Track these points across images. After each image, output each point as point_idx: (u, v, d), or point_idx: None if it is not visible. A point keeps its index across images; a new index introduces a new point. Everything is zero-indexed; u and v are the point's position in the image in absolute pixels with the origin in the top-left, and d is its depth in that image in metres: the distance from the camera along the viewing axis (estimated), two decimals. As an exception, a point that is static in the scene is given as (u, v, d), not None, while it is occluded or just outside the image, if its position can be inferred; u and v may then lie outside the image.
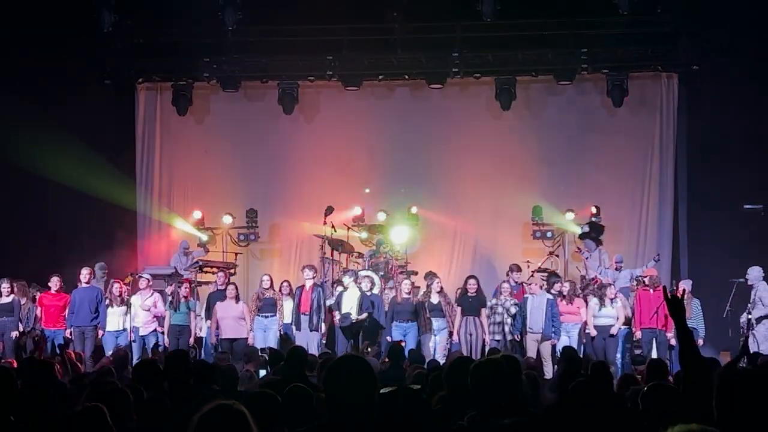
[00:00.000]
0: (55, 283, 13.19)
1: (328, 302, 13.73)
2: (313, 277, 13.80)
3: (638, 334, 12.90)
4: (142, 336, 12.92)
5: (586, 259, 15.20)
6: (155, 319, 13.12)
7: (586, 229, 15.49)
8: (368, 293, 13.38)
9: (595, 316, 12.85)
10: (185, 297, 13.18)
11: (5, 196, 15.34)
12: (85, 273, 13.20)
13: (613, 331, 12.85)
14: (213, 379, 6.72)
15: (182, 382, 6.23)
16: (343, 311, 13.15)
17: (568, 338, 12.87)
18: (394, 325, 12.89)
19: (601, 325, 12.84)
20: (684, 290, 12.60)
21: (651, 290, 12.88)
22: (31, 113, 14.92)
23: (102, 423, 4.64)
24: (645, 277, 13.28)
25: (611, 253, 15.30)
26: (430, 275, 13.78)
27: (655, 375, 7.11)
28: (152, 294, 13.21)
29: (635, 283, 14.13)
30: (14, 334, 12.93)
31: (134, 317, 13.02)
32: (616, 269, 14.66)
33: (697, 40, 15.65)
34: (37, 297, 13.44)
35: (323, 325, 13.38)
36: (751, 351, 11.17)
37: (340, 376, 3.50)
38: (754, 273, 13.10)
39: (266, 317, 13.31)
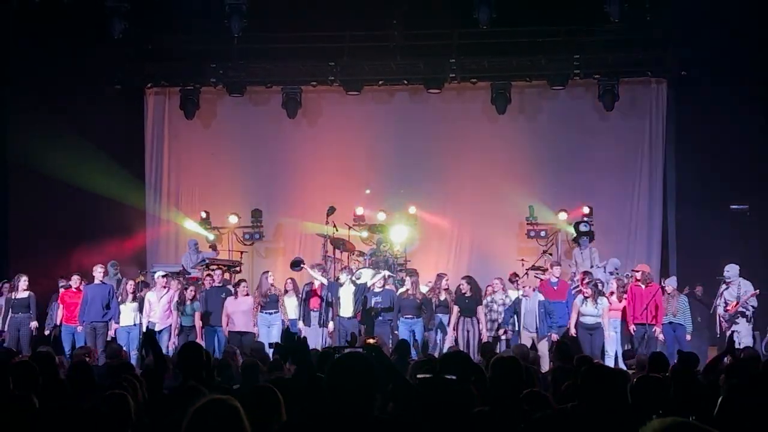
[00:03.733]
0: (75, 281, 13.41)
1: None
2: (322, 276, 14.08)
3: (632, 328, 12.93)
4: (158, 331, 12.98)
5: (579, 254, 15.51)
6: (171, 314, 13.25)
7: (587, 227, 15.64)
8: (380, 289, 13.63)
9: (581, 313, 12.91)
10: (191, 300, 13.40)
11: (19, 197, 15.57)
12: (98, 270, 13.30)
13: (608, 349, 12.82)
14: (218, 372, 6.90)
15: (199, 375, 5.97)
16: (341, 306, 13.44)
17: (615, 333, 12.94)
18: (401, 320, 13.11)
19: (583, 323, 12.85)
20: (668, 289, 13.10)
21: (643, 286, 12.98)
22: (46, 118, 15.08)
23: (125, 410, 4.84)
24: (637, 272, 13.30)
25: (603, 253, 15.49)
26: (440, 275, 14.02)
27: (654, 368, 7.41)
28: (167, 291, 13.35)
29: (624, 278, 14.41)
30: (33, 324, 13.24)
31: (150, 313, 13.15)
32: (610, 273, 14.73)
33: (685, 47, 15.88)
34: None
35: (331, 323, 13.59)
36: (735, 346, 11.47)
37: (343, 370, 3.62)
38: (735, 270, 13.27)
39: (269, 314, 13.59)
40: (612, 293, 13.26)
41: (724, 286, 13.28)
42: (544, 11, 15.71)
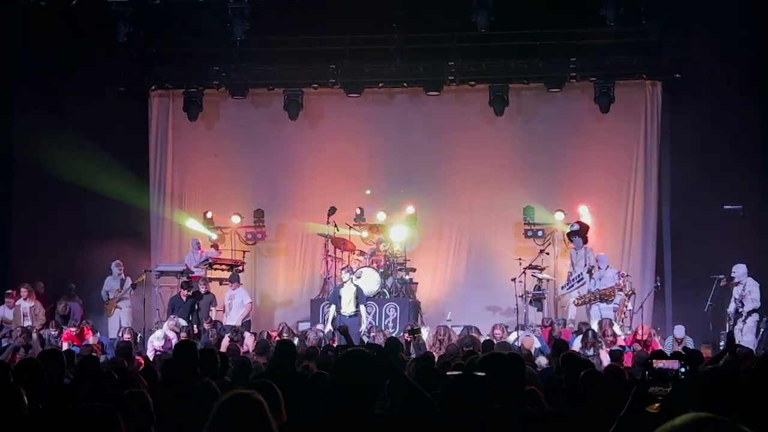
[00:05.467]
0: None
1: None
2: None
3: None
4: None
5: (575, 254, 15.72)
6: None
7: (576, 227, 15.89)
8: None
9: None
10: None
11: (24, 198, 15.67)
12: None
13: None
14: (223, 368, 6.96)
15: (191, 372, 6.11)
16: (342, 304, 13.74)
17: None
18: None
19: None
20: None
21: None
22: (51, 119, 15.23)
23: (146, 408, 4.87)
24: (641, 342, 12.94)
25: (598, 252, 15.62)
26: (439, 329, 13.36)
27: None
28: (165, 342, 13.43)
29: (622, 281, 14.61)
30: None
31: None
32: (598, 268, 14.91)
33: (679, 49, 16.10)
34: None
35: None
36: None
37: (347, 368, 3.68)
38: (741, 270, 13.52)
39: None
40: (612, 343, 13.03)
41: (740, 286, 13.55)
42: (541, 15, 15.88)
